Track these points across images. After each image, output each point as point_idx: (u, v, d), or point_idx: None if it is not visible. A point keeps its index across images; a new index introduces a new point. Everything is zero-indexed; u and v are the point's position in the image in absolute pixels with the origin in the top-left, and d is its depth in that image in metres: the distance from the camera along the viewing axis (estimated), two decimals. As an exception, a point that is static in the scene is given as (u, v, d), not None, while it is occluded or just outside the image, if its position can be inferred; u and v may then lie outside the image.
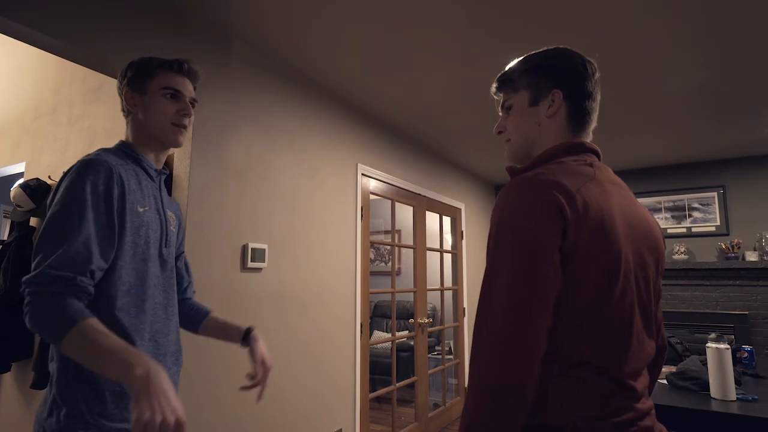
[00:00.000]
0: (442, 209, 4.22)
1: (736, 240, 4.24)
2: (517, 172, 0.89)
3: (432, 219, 4.77)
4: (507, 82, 0.98)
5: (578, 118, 0.93)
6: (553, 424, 0.74)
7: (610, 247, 0.76)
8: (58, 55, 1.66)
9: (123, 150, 1.07)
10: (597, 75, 0.94)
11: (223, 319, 1.27)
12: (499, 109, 1.01)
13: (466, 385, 4.34)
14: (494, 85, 1.01)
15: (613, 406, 0.76)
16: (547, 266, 0.72)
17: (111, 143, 2.10)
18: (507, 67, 1.00)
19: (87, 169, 0.94)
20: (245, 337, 1.24)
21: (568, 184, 0.76)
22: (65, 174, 0.96)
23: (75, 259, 0.88)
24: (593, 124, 0.96)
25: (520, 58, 0.99)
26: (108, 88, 2.36)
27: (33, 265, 0.88)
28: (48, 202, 0.97)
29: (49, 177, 2.49)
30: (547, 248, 0.72)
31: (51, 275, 0.85)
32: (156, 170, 1.12)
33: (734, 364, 2.17)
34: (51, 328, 0.84)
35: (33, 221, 2.54)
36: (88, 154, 0.98)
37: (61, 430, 0.89)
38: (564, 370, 0.75)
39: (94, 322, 0.86)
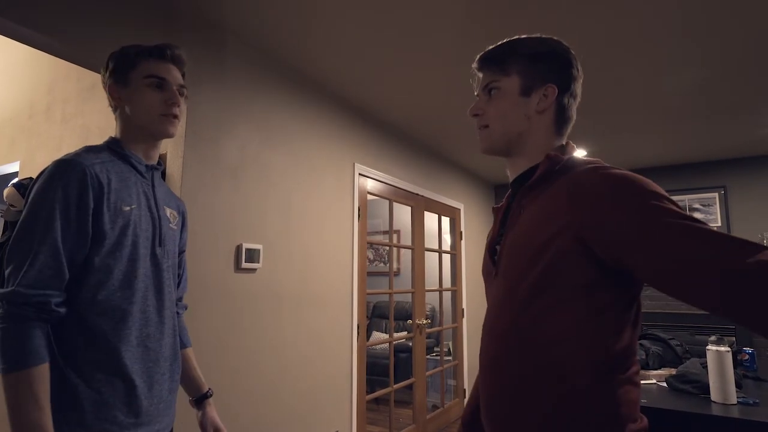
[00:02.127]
0: (441, 209, 4.19)
1: (737, 241, 4.21)
2: (560, 161, 0.82)
3: (431, 219, 4.74)
4: (496, 61, 0.88)
5: (564, 119, 0.88)
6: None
7: None
8: (51, 54, 1.65)
9: (110, 147, 1.03)
10: (582, 78, 0.90)
11: (193, 364, 1.21)
12: (477, 89, 0.92)
13: (464, 387, 4.32)
14: (476, 62, 0.91)
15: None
16: None
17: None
18: (496, 45, 0.90)
19: (58, 173, 0.90)
20: (200, 400, 1.19)
21: None
22: (39, 174, 0.92)
23: (45, 274, 0.86)
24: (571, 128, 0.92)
25: (513, 39, 0.89)
26: (102, 86, 2.34)
27: (6, 276, 0.86)
28: (24, 201, 0.94)
29: (43, 176, 2.47)
30: None
31: (23, 295, 0.84)
32: (146, 166, 1.06)
33: (735, 367, 2.14)
34: (4, 353, 0.83)
35: (26, 221, 2.52)
36: (67, 154, 0.95)
37: None
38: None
39: (42, 373, 0.84)
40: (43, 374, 0.84)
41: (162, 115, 1.03)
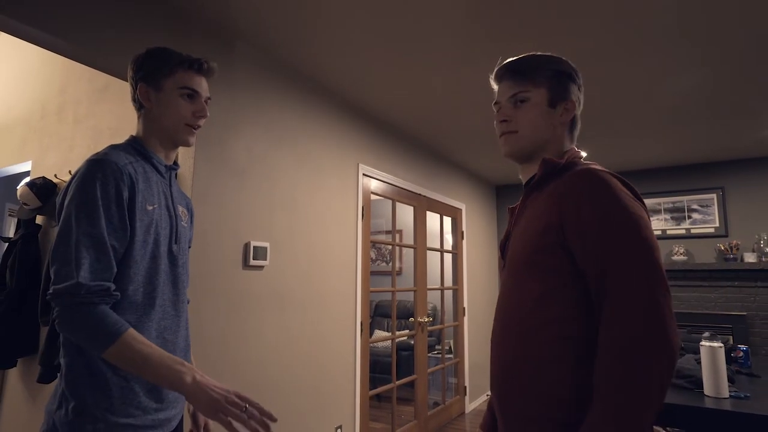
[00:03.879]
0: (443, 209, 4.25)
1: (734, 241, 4.26)
2: (558, 166, 0.92)
3: (433, 219, 4.80)
4: (528, 72, 0.96)
5: (575, 127, 1.00)
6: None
7: None
8: (63, 56, 1.69)
9: (133, 146, 1.06)
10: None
11: (190, 358, 1.24)
12: (505, 97, 0.98)
13: (465, 384, 4.37)
14: (503, 70, 0.98)
15: None
16: None
17: (116, 142, 2.14)
18: (522, 57, 0.98)
19: (96, 170, 0.93)
20: None
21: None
22: (74, 175, 0.96)
23: (97, 267, 0.90)
24: None
25: (536, 54, 0.98)
26: (114, 88, 2.40)
27: (57, 272, 0.89)
28: (58, 202, 0.97)
29: (55, 176, 2.53)
30: None
31: (86, 286, 0.88)
32: (166, 166, 1.11)
33: (728, 363, 2.19)
34: (93, 338, 0.88)
35: (39, 219, 2.58)
36: (96, 153, 0.98)
37: (69, 423, 0.91)
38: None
39: (133, 332, 0.91)
40: (134, 334, 0.91)
41: (188, 125, 1.09)
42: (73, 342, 0.96)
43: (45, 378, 2.19)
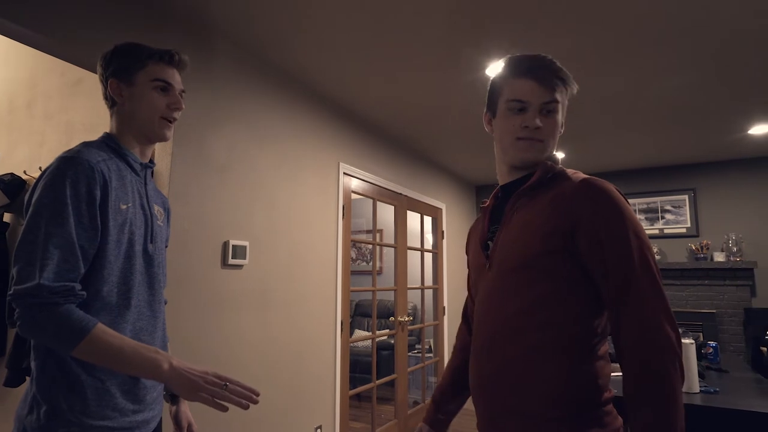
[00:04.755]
0: (424, 209, 4.26)
1: (705, 241, 4.40)
2: (554, 170, 0.94)
3: (413, 219, 4.82)
4: (567, 81, 0.94)
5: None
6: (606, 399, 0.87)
7: None
8: (35, 48, 1.63)
9: (107, 143, 1.04)
10: None
11: None
12: (537, 101, 0.92)
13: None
14: (546, 71, 0.92)
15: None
16: None
17: (90, 138, 2.08)
18: (553, 61, 0.93)
19: (66, 168, 0.90)
20: (175, 395, 1.22)
21: None
22: (43, 172, 0.93)
23: (63, 268, 0.87)
24: None
25: (556, 61, 0.94)
26: (88, 82, 2.33)
27: (19, 273, 0.86)
28: (26, 200, 0.94)
29: (24, 172, 2.44)
30: None
31: (47, 287, 0.85)
32: (141, 164, 1.08)
33: (699, 359, 2.26)
34: (60, 338, 0.86)
35: (7, 217, 2.49)
36: (69, 150, 0.95)
37: (41, 428, 0.88)
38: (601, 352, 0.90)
39: (103, 327, 0.89)
40: (103, 328, 0.89)
41: (163, 118, 1.06)
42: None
43: (12, 382, 2.11)
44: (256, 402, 0.93)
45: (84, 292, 0.91)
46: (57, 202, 0.89)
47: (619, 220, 0.83)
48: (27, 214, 0.91)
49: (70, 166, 0.91)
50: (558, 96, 0.93)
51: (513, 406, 0.87)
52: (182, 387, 0.90)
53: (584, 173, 0.90)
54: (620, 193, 0.88)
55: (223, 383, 0.91)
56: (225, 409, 0.92)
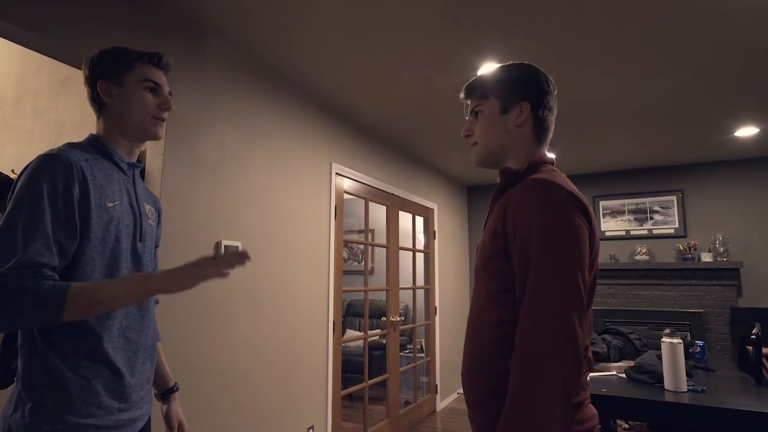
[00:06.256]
0: (415, 209, 4.27)
1: (692, 242, 4.46)
2: (516, 174, 0.98)
3: (405, 219, 4.82)
4: (477, 89, 1.05)
5: (541, 129, 1.02)
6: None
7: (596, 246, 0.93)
8: (24, 45, 1.61)
9: (92, 144, 1.04)
10: (555, 91, 1.04)
11: (161, 358, 1.24)
12: (467, 114, 1.08)
13: (437, 383, 4.42)
14: (463, 92, 1.08)
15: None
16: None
17: (79, 136, 2.05)
18: (477, 77, 1.07)
19: (45, 165, 0.91)
20: (166, 394, 1.23)
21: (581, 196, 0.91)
22: (24, 169, 0.94)
23: (35, 260, 0.86)
24: (551, 136, 1.07)
25: (490, 70, 1.06)
26: (76, 80, 2.31)
27: None
28: (8, 198, 0.94)
29: (12, 171, 2.41)
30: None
31: (15, 273, 0.83)
32: (128, 163, 1.09)
33: (687, 359, 2.30)
34: (43, 312, 0.84)
35: (-6, 216, 2.45)
36: (51, 149, 0.96)
37: (26, 425, 0.88)
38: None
39: (76, 283, 0.88)
40: (78, 283, 0.88)
41: (154, 117, 1.08)
42: (28, 341, 0.93)
43: (2, 383, 2.09)
44: (249, 258, 0.93)
45: (54, 274, 0.89)
46: (33, 197, 0.89)
47: (526, 218, 0.85)
48: (6, 210, 0.91)
49: (49, 163, 0.92)
50: (477, 101, 1.05)
51: (471, 400, 0.95)
52: (179, 281, 0.91)
53: (572, 174, 0.92)
54: (559, 194, 0.85)
55: (212, 257, 0.92)
56: (226, 275, 0.93)
